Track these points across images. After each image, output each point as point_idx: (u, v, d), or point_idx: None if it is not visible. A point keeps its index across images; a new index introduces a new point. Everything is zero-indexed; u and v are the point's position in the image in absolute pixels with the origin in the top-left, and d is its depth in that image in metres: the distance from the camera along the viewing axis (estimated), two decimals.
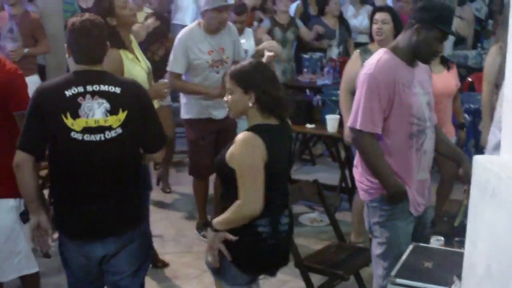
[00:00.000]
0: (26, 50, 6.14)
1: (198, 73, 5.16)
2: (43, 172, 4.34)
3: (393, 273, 2.81)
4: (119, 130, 3.09)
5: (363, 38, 7.95)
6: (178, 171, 7.06)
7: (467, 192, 3.23)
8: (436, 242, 3.12)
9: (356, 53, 5.02)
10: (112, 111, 3.08)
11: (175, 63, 5.14)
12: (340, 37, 7.95)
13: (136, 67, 4.27)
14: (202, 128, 5.28)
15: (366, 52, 4.79)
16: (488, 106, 4.80)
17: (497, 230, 1.77)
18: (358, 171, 3.66)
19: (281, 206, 3.16)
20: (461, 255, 2.02)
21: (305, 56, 7.80)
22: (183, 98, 5.39)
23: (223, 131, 5.26)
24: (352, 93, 3.80)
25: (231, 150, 3.03)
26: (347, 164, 5.90)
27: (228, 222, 3.05)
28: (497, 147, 3.28)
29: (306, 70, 7.61)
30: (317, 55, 7.78)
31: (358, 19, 8.60)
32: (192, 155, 5.47)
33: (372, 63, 3.47)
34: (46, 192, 3.56)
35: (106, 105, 3.07)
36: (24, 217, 3.51)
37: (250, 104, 3.06)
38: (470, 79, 7.57)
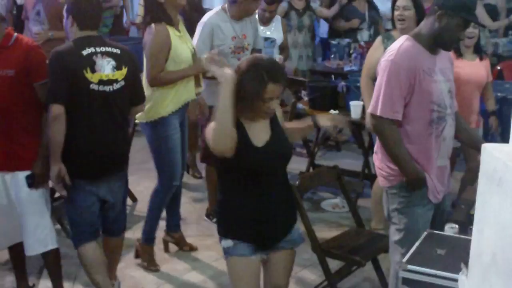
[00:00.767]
0: (51, 33, 6.19)
1: None
2: None
3: (404, 259, 2.81)
4: (122, 83, 3.81)
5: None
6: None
7: None
8: (450, 229, 3.11)
9: (378, 40, 5.00)
10: (117, 68, 3.78)
11: (202, 45, 5.02)
12: (369, 19, 7.86)
13: (182, 44, 4.39)
14: None
15: (389, 39, 4.76)
16: None
17: (503, 219, 1.78)
18: (378, 158, 3.66)
19: None
20: None
21: (333, 42, 7.79)
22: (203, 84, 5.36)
23: None
24: (374, 79, 3.79)
25: None
26: (370, 150, 5.88)
27: None
28: None
29: (333, 56, 7.60)
30: (345, 41, 7.75)
31: (386, 6, 8.52)
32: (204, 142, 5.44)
33: (393, 49, 3.46)
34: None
35: (113, 62, 3.76)
36: (29, 181, 3.79)
37: None
38: (499, 67, 7.47)
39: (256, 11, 5.31)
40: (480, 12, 6.79)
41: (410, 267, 2.73)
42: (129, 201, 5.90)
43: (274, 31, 6.10)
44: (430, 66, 3.45)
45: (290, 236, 3.25)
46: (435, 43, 3.45)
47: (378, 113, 3.46)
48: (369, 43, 7.22)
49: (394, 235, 3.58)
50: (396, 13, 4.81)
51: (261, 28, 5.81)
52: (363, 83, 4.98)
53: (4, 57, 3.74)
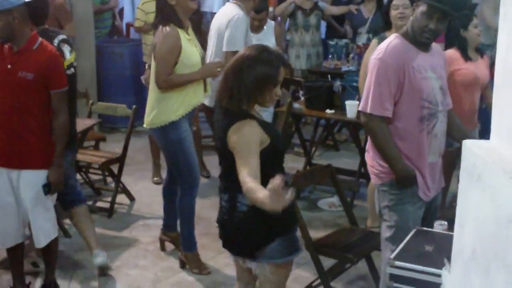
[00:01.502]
0: None
1: None
2: None
3: (392, 256, 2.84)
4: (75, 64, 4.45)
5: None
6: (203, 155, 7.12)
7: None
8: (439, 226, 3.13)
9: (374, 42, 5.03)
10: (71, 52, 4.38)
11: (238, 41, 5.00)
12: (371, 24, 7.80)
13: (192, 47, 4.39)
14: None
15: (384, 40, 4.76)
16: None
17: (482, 214, 1.80)
18: (370, 156, 3.70)
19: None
20: None
21: (331, 42, 7.83)
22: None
23: None
24: None
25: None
26: None
27: None
28: None
29: (331, 57, 7.63)
30: (343, 41, 7.79)
31: None
32: None
33: (382, 48, 3.52)
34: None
35: (68, 47, 4.37)
36: (46, 189, 3.92)
37: None
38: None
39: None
40: (486, 11, 6.78)
41: (397, 263, 2.75)
42: (127, 201, 5.95)
43: (265, 37, 6.17)
44: (419, 63, 3.48)
45: None
46: (414, 36, 3.48)
47: (368, 110, 3.50)
48: (367, 44, 7.24)
49: (385, 232, 3.61)
50: (395, 12, 4.82)
51: (251, 35, 5.84)
52: (361, 84, 5.00)
53: (26, 59, 3.83)
